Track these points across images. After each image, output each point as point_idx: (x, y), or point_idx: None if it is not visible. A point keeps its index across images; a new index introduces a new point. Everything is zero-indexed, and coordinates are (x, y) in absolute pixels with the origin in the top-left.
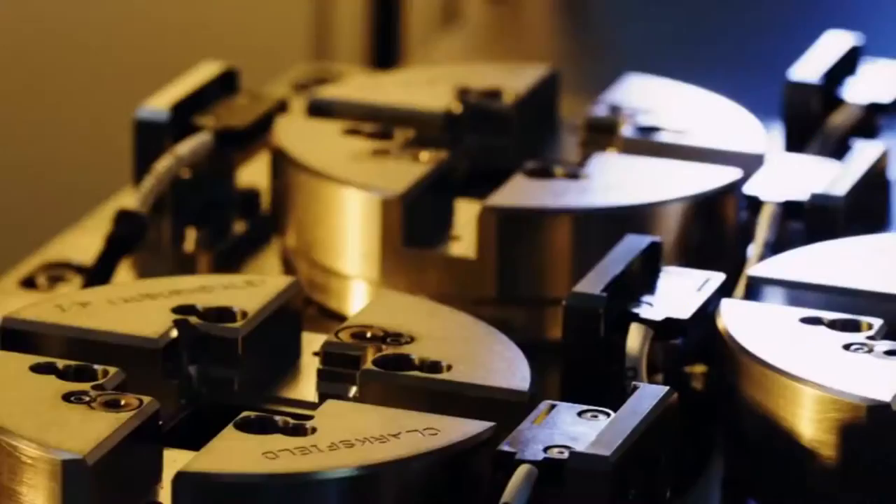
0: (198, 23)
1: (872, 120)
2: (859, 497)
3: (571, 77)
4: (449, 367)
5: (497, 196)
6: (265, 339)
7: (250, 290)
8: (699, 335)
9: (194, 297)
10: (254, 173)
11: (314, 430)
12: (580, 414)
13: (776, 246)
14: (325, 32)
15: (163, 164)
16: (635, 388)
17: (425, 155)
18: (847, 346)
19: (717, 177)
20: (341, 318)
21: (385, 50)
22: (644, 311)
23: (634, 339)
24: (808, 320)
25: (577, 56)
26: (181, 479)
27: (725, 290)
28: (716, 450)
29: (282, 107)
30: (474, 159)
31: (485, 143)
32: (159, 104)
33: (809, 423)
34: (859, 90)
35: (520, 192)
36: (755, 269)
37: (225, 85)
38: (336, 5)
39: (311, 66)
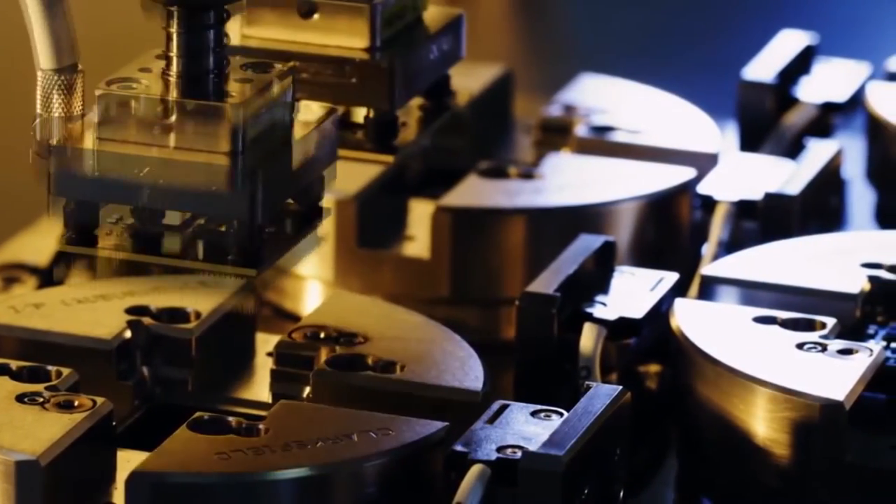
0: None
1: (827, 119)
2: (813, 496)
3: (526, 77)
4: (402, 368)
5: (450, 196)
6: (219, 340)
7: (204, 291)
8: (653, 335)
9: (148, 298)
10: None
11: (267, 430)
12: (533, 414)
13: (730, 245)
14: None
15: None
16: (588, 387)
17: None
18: (801, 346)
19: (670, 176)
20: (296, 318)
21: None
22: (597, 311)
23: (588, 338)
24: (761, 319)
25: (531, 56)
26: (134, 479)
27: (679, 290)
28: (670, 449)
29: None
30: (428, 159)
31: (439, 143)
32: None
33: (763, 423)
34: (814, 89)
35: (473, 192)
36: (709, 268)
37: None
38: None
39: None
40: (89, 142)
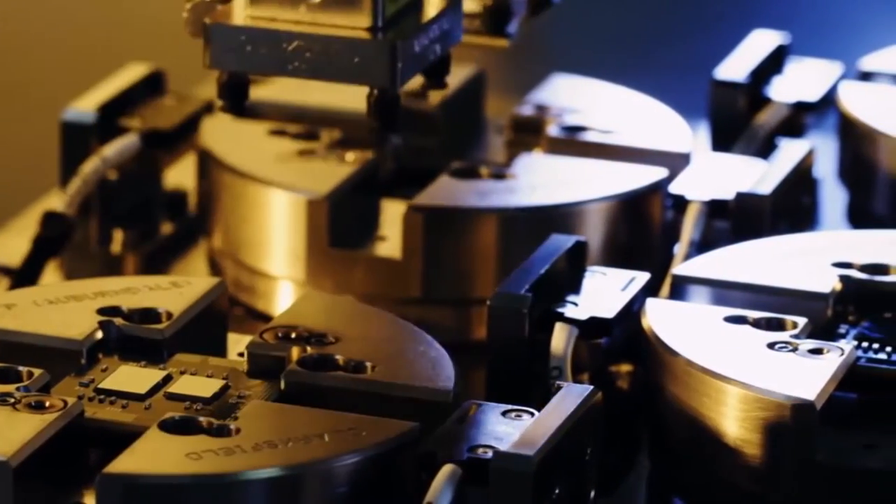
0: (125, 24)
1: (799, 119)
2: (784, 495)
3: (498, 77)
4: (373, 368)
5: (422, 196)
6: (190, 340)
7: (176, 292)
8: (624, 334)
9: (119, 299)
10: (181, 175)
11: (238, 430)
12: (504, 413)
13: (702, 245)
14: None
15: (89, 166)
16: (560, 387)
17: (351, 155)
18: (772, 345)
19: (642, 176)
20: (268, 318)
21: None
22: (569, 311)
23: (559, 338)
24: (732, 319)
25: (503, 56)
26: (105, 479)
27: (651, 290)
28: (641, 449)
29: (208, 108)
30: (401, 159)
31: (411, 143)
32: (86, 106)
33: (734, 422)
34: (786, 89)
35: (445, 192)
36: (680, 268)
37: (152, 86)
38: None
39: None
40: (241, 19)
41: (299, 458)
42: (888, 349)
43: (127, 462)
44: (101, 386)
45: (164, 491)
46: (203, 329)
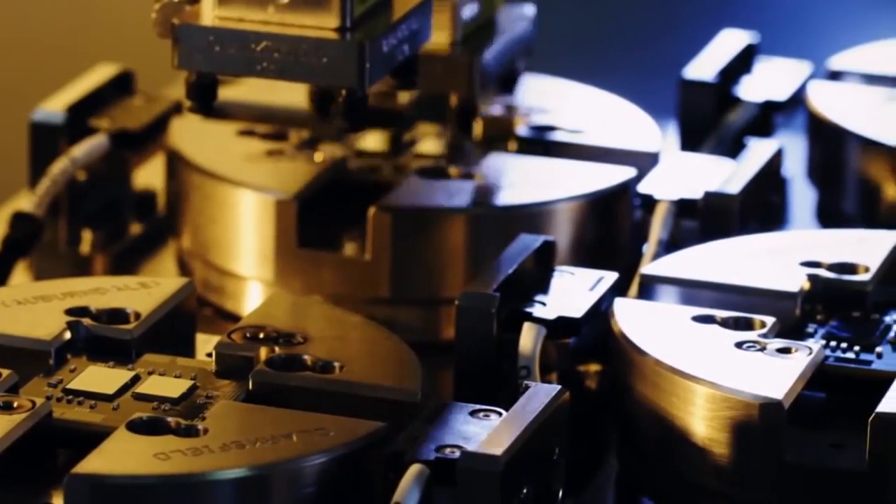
0: (95, 24)
1: (768, 118)
2: (753, 495)
3: None
4: (341, 368)
5: (390, 196)
6: (159, 341)
7: (144, 292)
8: (593, 334)
9: (88, 299)
10: (150, 175)
11: (206, 430)
12: (472, 413)
13: (670, 244)
14: None
15: (58, 167)
16: (527, 387)
17: (320, 156)
18: (739, 345)
19: (610, 176)
20: (237, 319)
21: None
22: (537, 311)
23: (527, 338)
24: (700, 318)
25: None
26: (73, 480)
27: (620, 289)
28: (610, 449)
29: (177, 108)
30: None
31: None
32: (54, 106)
33: (702, 422)
34: (754, 88)
35: (413, 192)
36: (648, 267)
37: (121, 87)
38: None
39: None
40: (209, 20)
41: (267, 458)
42: (856, 348)
43: (95, 462)
44: (69, 386)
45: (132, 491)
46: (171, 329)
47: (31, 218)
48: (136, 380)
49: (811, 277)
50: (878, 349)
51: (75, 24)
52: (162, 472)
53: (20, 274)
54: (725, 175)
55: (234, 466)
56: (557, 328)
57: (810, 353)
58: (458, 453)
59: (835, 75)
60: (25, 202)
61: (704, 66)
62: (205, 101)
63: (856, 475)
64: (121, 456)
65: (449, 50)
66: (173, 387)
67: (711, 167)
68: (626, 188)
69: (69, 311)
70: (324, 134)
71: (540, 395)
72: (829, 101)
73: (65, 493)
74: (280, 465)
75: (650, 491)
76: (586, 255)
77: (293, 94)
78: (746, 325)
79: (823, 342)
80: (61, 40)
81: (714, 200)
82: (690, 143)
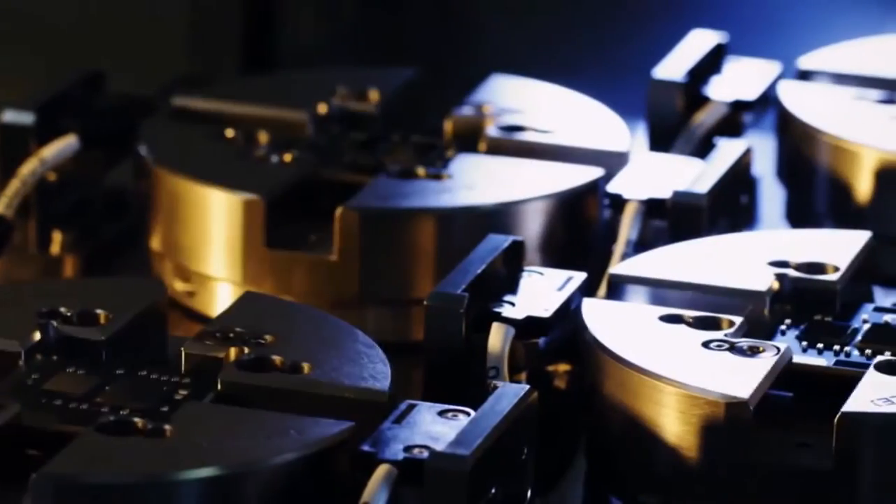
0: (65, 24)
1: (737, 118)
2: (720, 493)
3: (437, 77)
4: (310, 368)
5: (358, 197)
6: (129, 342)
7: (115, 293)
8: (562, 334)
9: (59, 301)
10: (122, 176)
11: (174, 431)
12: (441, 413)
13: (639, 244)
14: (202, 35)
15: (28, 168)
16: (496, 387)
17: (289, 157)
18: (707, 344)
19: (578, 175)
20: (207, 319)
21: (261, 53)
22: (506, 311)
23: (496, 338)
24: (668, 318)
25: (443, 56)
26: (40, 480)
27: (588, 289)
28: (578, 448)
29: (149, 110)
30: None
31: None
32: (25, 107)
33: (670, 421)
34: (724, 88)
35: (381, 192)
36: (617, 267)
37: (92, 87)
38: (213, 8)
39: (181, 69)
40: None
41: (235, 458)
42: (820, 346)
43: (62, 463)
44: (38, 388)
45: (99, 492)
46: (142, 330)
47: (1, 219)
48: (105, 381)
49: (780, 277)
50: (846, 349)
51: (46, 23)
52: (129, 473)
53: None
54: (694, 175)
55: (201, 467)
56: (526, 328)
57: (777, 353)
58: (426, 453)
59: (804, 75)
60: None
61: (674, 66)
62: None
63: (822, 474)
64: (88, 456)
65: None
66: (142, 388)
67: (681, 167)
68: (595, 188)
69: (40, 313)
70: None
71: (508, 395)
72: (799, 101)
73: (31, 493)
74: (247, 465)
75: (619, 490)
76: (555, 255)
77: (266, 97)
78: (714, 324)
79: (791, 342)
80: (31, 40)
81: (683, 200)
82: (660, 142)
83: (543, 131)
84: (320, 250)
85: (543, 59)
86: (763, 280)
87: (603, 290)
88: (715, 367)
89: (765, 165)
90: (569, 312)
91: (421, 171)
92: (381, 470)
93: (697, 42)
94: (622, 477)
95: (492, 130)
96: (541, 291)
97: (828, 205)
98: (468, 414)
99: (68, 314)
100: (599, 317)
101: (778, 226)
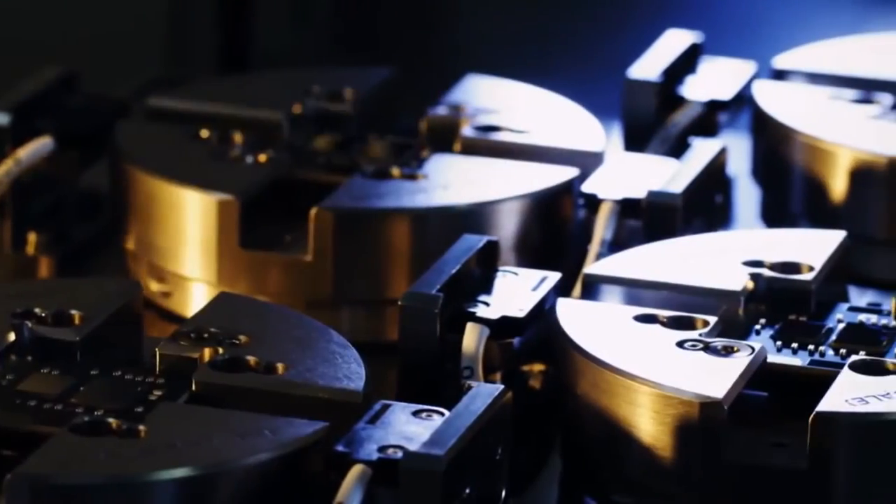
0: (39, 24)
1: (712, 118)
2: (695, 493)
3: (412, 77)
4: (285, 369)
5: (333, 197)
6: (104, 342)
7: (90, 294)
8: (536, 334)
9: (34, 301)
10: (97, 176)
11: (148, 431)
12: (415, 413)
13: (614, 244)
14: (176, 36)
15: (3, 169)
16: (470, 387)
17: (264, 157)
18: (681, 344)
19: (553, 175)
20: (182, 320)
21: (237, 54)
22: (480, 311)
23: (470, 338)
24: (642, 318)
25: (418, 56)
26: (14, 480)
27: (564, 289)
28: (553, 448)
29: (124, 110)
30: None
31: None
32: None
33: (644, 421)
34: (699, 88)
35: (356, 193)
36: (592, 267)
37: (67, 88)
38: (189, 8)
39: (156, 69)
40: None
41: (208, 458)
42: (795, 346)
43: (36, 464)
44: (13, 389)
45: (73, 492)
46: (117, 331)
47: None
48: (79, 382)
49: (754, 277)
50: (821, 349)
51: (20, 23)
52: (103, 473)
53: None
54: (669, 175)
55: (175, 467)
56: (500, 328)
57: (752, 353)
58: (400, 454)
59: (779, 75)
60: None
61: (649, 66)
62: None
63: (797, 474)
64: (62, 458)
65: None
66: (116, 389)
67: (656, 167)
68: (570, 188)
69: (14, 314)
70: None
71: (483, 395)
72: (774, 101)
73: (5, 494)
74: (221, 465)
75: (593, 490)
76: (530, 255)
77: (241, 97)
78: (688, 324)
79: (765, 342)
80: (5, 41)
81: (657, 200)
82: (635, 142)
83: (518, 131)
84: (295, 250)
85: (519, 60)
86: (738, 280)
87: (578, 290)
88: (689, 367)
89: (740, 165)
90: (543, 312)
91: (396, 171)
92: (356, 470)
93: (672, 42)
94: (597, 477)
95: (467, 130)
96: (515, 291)
97: (803, 204)
98: (442, 414)
99: (43, 315)
100: (574, 317)
101: (753, 225)
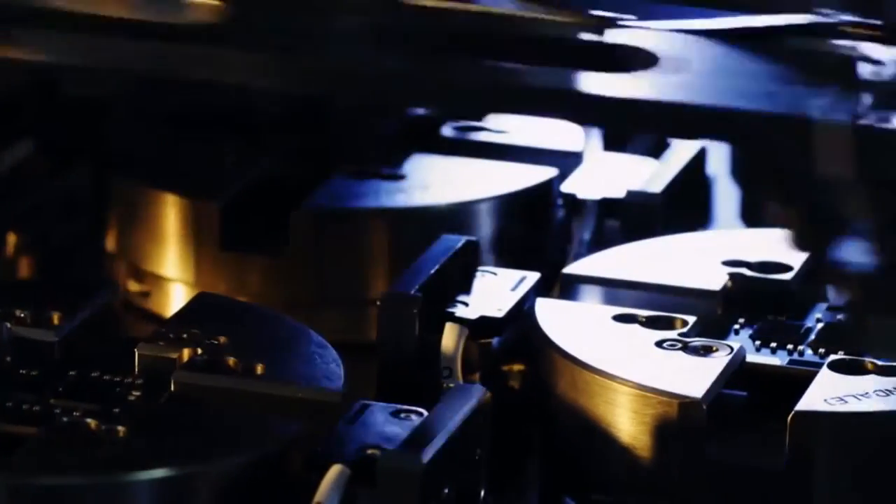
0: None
1: None
2: (675, 493)
3: None
4: (264, 369)
5: (313, 197)
6: (84, 343)
7: (70, 294)
8: (516, 334)
9: (13, 302)
10: (76, 178)
11: (126, 432)
12: (394, 414)
13: (593, 244)
14: None
15: None
16: (450, 387)
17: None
18: (660, 344)
19: (533, 175)
20: (161, 320)
21: None
22: (459, 311)
23: (449, 338)
24: (621, 318)
25: None
26: None
27: (543, 289)
28: (533, 448)
29: (105, 112)
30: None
31: (303, 145)
32: None
33: (623, 421)
34: None
35: (336, 193)
36: (570, 267)
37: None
38: None
39: None
40: None
41: (187, 459)
42: (774, 345)
43: (15, 465)
44: None
45: (52, 493)
46: (96, 332)
47: None
48: (58, 383)
49: (733, 276)
50: (800, 348)
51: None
52: (81, 475)
53: None
54: (649, 174)
55: (153, 468)
56: (479, 328)
57: (731, 353)
58: (379, 454)
59: None
60: None
61: None
62: None
63: (776, 474)
64: (40, 458)
65: None
66: (95, 389)
67: (635, 167)
68: (550, 188)
69: None
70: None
71: (461, 395)
72: None
73: None
74: (200, 466)
75: (573, 490)
76: (509, 255)
77: None
78: (667, 324)
79: (745, 341)
80: None
81: (637, 200)
82: (614, 142)
83: (498, 131)
84: (274, 251)
85: None
86: (717, 279)
87: (557, 289)
88: (668, 367)
89: (719, 165)
90: (522, 312)
91: (376, 170)
92: (334, 470)
93: None
94: (576, 476)
95: (447, 130)
96: (494, 291)
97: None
98: (421, 414)
99: (21, 315)
100: (553, 316)
101: (732, 225)
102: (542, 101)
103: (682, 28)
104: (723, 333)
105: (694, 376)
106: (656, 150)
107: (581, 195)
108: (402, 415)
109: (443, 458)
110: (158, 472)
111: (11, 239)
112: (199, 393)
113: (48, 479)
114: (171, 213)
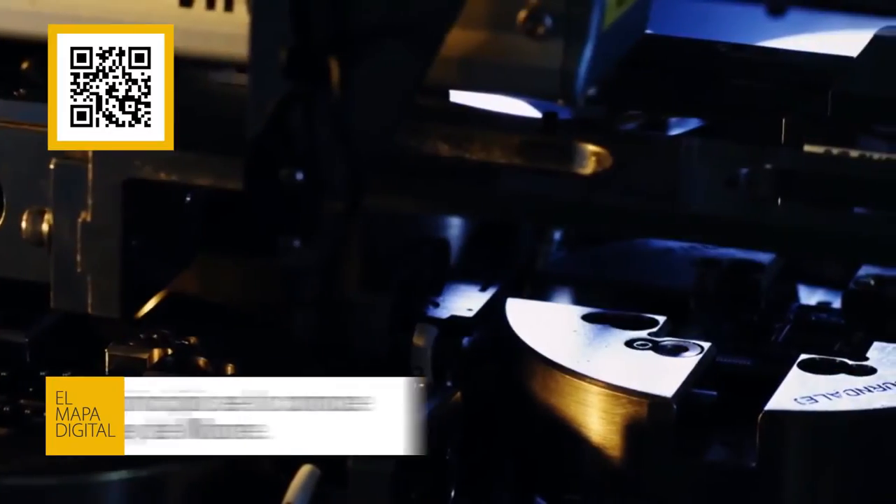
0: None
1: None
2: (645, 492)
3: None
4: (234, 369)
5: None
6: (56, 344)
7: (40, 294)
8: (487, 334)
9: None
10: None
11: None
12: None
13: (564, 244)
14: None
15: None
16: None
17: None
18: (630, 343)
19: None
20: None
21: None
22: (430, 311)
23: (420, 338)
24: (591, 318)
25: None
26: None
27: (515, 289)
28: (504, 448)
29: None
30: None
31: None
32: None
33: (594, 420)
34: None
35: None
36: (542, 267)
37: None
38: None
39: None
40: None
41: (157, 460)
42: (744, 345)
43: None
44: None
45: (23, 493)
46: (69, 333)
47: None
48: (32, 383)
49: (704, 276)
50: (770, 347)
51: None
52: (50, 475)
53: None
54: None
55: (124, 468)
56: (450, 328)
57: (701, 352)
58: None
59: None
60: None
61: None
62: None
63: (746, 473)
64: (13, 458)
65: None
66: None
67: None
68: None
69: None
70: None
71: (432, 395)
72: None
73: None
74: (171, 466)
75: (544, 490)
76: (482, 255)
77: None
78: (637, 323)
79: (715, 341)
80: None
81: None
82: None
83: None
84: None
85: None
86: (688, 279)
87: (528, 289)
88: (638, 367)
89: None
90: (493, 312)
91: None
92: (305, 470)
93: None
94: (547, 476)
95: None
96: (465, 291)
97: None
98: None
99: None
100: (523, 316)
101: None
102: None
103: None
104: (693, 333)
105: (664, 376)
106: None
107: None
108: None
109: (414, 458)
110: (127, 473)
111: None
112: None
113: (17, 479)
114: None
